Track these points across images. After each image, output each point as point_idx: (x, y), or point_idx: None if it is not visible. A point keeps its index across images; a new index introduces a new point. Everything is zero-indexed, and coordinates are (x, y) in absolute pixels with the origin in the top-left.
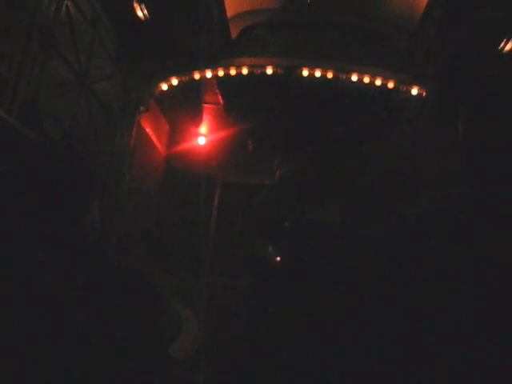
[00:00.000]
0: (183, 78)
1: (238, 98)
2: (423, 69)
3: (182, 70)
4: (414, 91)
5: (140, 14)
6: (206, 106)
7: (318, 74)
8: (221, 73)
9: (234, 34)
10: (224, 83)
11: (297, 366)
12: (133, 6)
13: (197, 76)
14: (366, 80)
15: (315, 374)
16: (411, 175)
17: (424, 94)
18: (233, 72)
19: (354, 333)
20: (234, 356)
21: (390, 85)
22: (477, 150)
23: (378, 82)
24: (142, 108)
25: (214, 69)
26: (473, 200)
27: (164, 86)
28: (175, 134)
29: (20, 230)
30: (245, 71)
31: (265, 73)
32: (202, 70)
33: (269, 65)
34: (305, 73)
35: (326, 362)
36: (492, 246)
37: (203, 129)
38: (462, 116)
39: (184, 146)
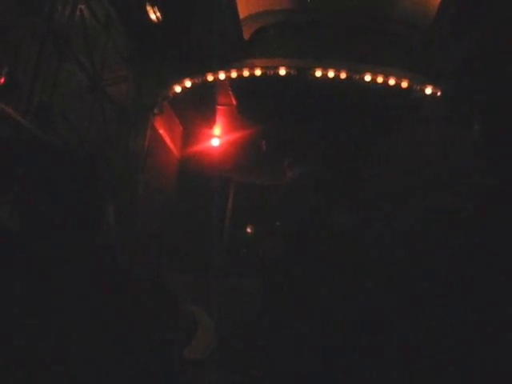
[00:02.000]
0: (196, 80)
1: (251, 99)
2: (437, 68)
3: (196, 71)
4: (428, 90)
5: (153, 16)
6: (219, 107)
7: (331, 74)
8: (234, 74)
9: (246, 35)
10: (237, 84)
11: (309, 366)
12: (146, 8)
13: (210, 78)
14: (380, 80)
15: (327, 373)
16: (425, 175)
17: (438, 93)
18: (246, 73)
19: (363, 333)
20: (248, 355)
21: (404, 84)
22: (492, 148)
23: (392, 82)
24: (155, 110)
25: (227, 70)
26: (488, 197)
27: (177, 88)
28: (189, 135)
29: (34, 230)
30: (258, 72)
31: (278, 74)
32: (215, 71)
33: (282, 66)
34: (318, 73)
35: (337, 362)
36: (507, 243)
37: (217, 130)
38: (477, 114)
39: (198, 148)
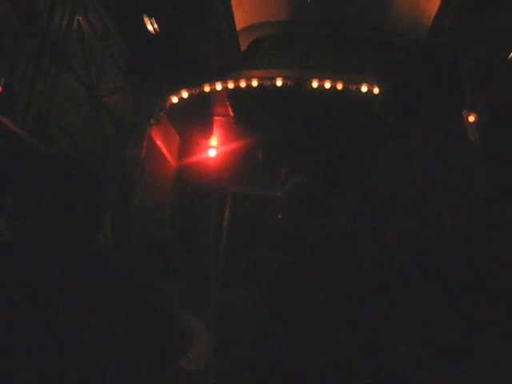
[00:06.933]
0: (193, 91)
1: (248, 110)
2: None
3: (192, 82)
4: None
5: (150, 27)
6: (216, 118)
7: (327, 85)
8: (231, 85)
9: (243, 46)
10: (234, 95)
11: (309, 377)
12: (143, 20)
13: (207, 88)
14: (376, 91)
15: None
16: (422, 183)
17: None
18: (243, 84)
19: (368, 343)
20: (245, 367)
21: None
22: (493, 157)
23: None
24: (152, 121)
25: (224, 81)
26: (488, 206)
27: (174, 99)
28: (186, 146)
29: (31, 240)
30: (255, 83)
31: (274, 85)
32: (212, 82)
33: (278, 77)
34: (314, 84)
35: (339, 372)
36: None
37: (214, 141)
38: (479, 124)
39: (195, 158)
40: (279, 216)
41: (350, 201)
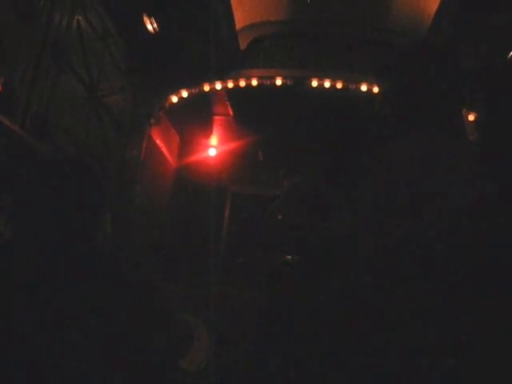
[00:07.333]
0: (193, 90)
1: (247, 109)
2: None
3: (192, 82)
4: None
5: (150, 27)
6: (215, 117)
7: (327, 84)
8: (230, 84)
9: (243, 45)
10: (234, 95)
11: (308, 378)
12: (143, 19)
13: (206, 88)
14: (376, 90)
15: None
16: (423, 183)
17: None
18: (242, 83)
19: (368, 343)
20: (245, 367)
21: None
22: (493, 156)
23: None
24: (152, 120)
25: (224, 81)
26: (488, 206)
27: (174, 99)
28: (186, 145)
29: (30, 240)
30: (254, 83)
31: (274, 84)
32: (211, 81)
33: (278, 76)
34: (314, 83)
35: (339, 376)
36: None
37: (213, 140)
38: (478, 123)
39: (194, 158)
40: (279, 216)
41: (349, 201)
